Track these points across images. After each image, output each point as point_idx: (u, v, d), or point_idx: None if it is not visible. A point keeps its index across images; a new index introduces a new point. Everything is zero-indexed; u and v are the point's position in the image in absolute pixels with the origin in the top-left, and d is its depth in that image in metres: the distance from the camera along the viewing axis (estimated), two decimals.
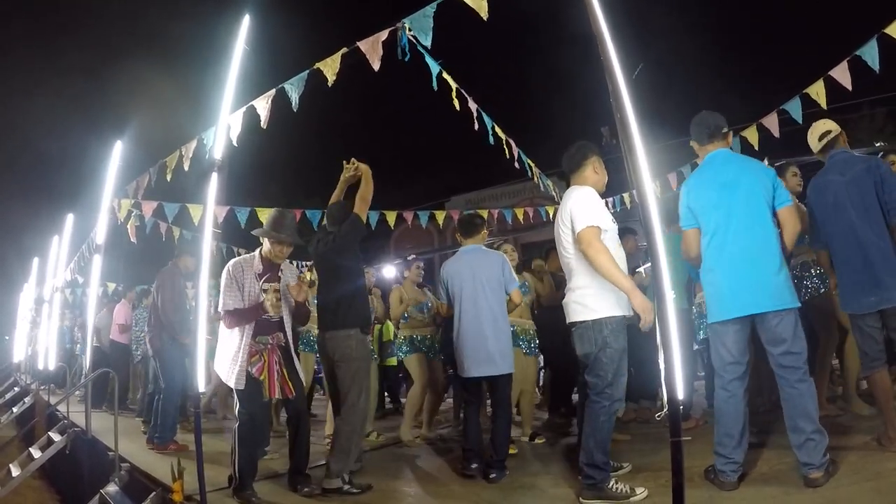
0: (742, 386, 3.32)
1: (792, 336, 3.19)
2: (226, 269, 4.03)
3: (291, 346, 4.12)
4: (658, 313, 2.65)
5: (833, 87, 5.09)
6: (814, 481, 3.06)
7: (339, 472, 3.90)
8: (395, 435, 5.95)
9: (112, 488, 4.56)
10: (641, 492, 3.29)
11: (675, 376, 2.49)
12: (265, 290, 3.95)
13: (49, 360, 9.36)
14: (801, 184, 4.77)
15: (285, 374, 3.96)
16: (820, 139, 3.86)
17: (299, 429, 4.10)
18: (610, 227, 3.45)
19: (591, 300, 3.39)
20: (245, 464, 3.82)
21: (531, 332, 5.46)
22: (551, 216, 8.07)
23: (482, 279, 4.28)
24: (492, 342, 4.21)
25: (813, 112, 5.31)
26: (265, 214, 7.29)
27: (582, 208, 3.42)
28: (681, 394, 2.50)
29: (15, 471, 5.72)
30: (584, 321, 3.41)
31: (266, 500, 3.84)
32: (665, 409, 2.67)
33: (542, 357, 6.67)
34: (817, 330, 4.56)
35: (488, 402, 4.79)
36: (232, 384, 3.87)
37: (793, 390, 3.15)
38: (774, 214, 3.35)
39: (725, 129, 3.57)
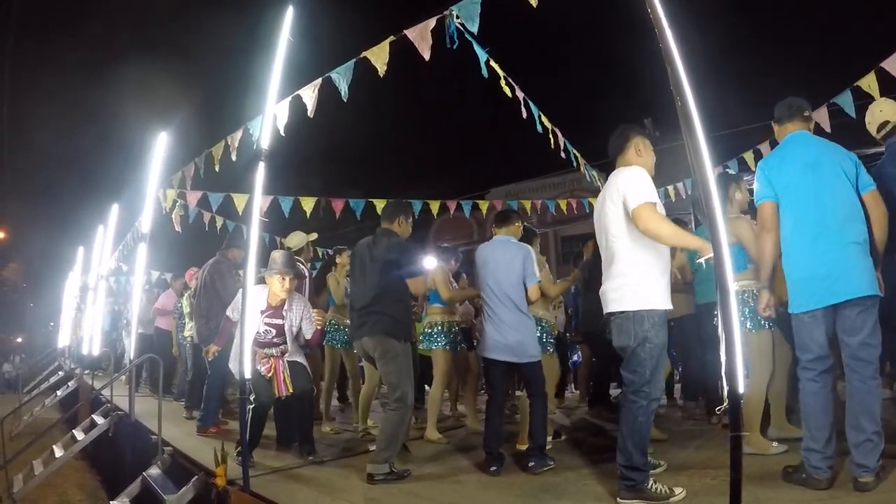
0: (832, 376, 3.15)
1: (873, 327, 3.01)
2: (242, 290, 4.34)
3: (296, 354, 4.79)
4: (721, 305, 2.56)
5: (886, 78, 4.91)
6: (864, 485, 2.91)
7: (388, 459, 4.00)
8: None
9: (154, 471, 4.62)
10: (680, 492, 3.16)
11: (737, 370, 2.42)
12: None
13: (93, 345, 9.58)
14: None
15: (286, 377, 4.65)
16: (878, 130, 3.64)
17: (303, 410, 4.87)
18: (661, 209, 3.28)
19: (632, 289, 3.18)
20: (252, 438, 4.39)
21: (545, 325, 5.15)
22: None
23: (504, 269, 4.34)
24: (511, 331, 4.23)
25: (865, 104, 5.14)
26: (309, 204, 7.42)
27: (635, 185, 3.19)
28: (741, 388, 2.43)
29: (58, 452, 5.87)
30: (623, 311, 3.20)
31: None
32: (725, 405, 2.57)
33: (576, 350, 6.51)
34: None
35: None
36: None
37: (863, 385, 2.97)
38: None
39: (807, 112, 3.41)
